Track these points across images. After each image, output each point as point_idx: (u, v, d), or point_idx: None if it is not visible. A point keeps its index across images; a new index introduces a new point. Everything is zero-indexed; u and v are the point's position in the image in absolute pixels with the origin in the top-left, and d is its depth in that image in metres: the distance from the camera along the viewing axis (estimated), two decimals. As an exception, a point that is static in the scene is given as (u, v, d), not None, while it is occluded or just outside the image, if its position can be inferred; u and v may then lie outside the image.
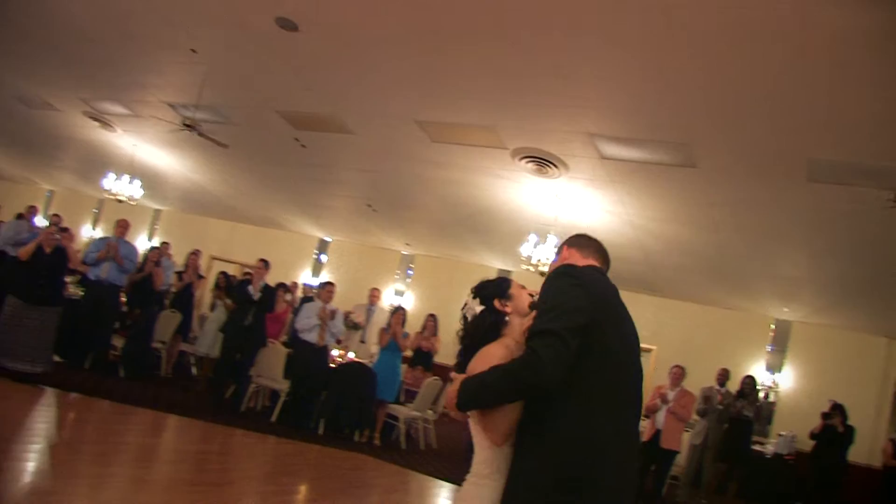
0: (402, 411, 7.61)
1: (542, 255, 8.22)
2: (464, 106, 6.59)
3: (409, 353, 8.48)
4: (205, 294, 12.09)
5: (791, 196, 6.54)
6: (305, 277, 13.86)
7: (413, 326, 8.73)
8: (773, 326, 10.68)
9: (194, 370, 9.61)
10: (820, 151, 5.61)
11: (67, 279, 7.45)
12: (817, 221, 6.98)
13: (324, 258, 14.38)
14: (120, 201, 11.24)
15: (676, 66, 5.02)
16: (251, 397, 7.71)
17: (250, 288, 7.66)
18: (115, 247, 7.73)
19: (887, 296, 8.31)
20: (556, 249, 3.24)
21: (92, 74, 8.45)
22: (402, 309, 8.22)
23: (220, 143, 8.35)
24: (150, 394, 7.17)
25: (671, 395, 7.36)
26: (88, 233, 16.38)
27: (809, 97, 4.93)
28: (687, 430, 8.01)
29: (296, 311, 8.62)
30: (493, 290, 2.17)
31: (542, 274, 7.90)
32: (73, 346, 7.39)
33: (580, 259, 2.19)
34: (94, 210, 16.90)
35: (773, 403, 10.35)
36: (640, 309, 9.49)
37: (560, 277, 1.99)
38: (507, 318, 2.13)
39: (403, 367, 8.23)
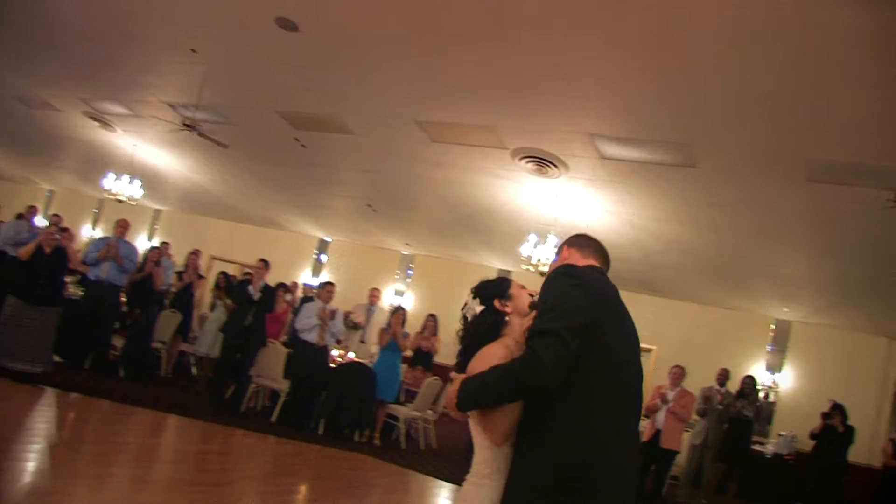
0: (402, 411, 7.61)
1: (542, 255, 8.22)
2: (464, 106, 6.59)
3: (409, 353, 8.48)
4: (205, 294, 12.08)
5: (791, 196, 6.54)
6: (305, 277, 13.86)
7: (413, 326, 8.73)
8: (773, 326, 10.68)
9: (194, 370, 9.61)
10: (820, 151, 5.61)
11: (67, 279, 7.45)
12: (817, 221, 6.98)
13: (324, 258, 14.38)
14: (120, 201, 11.24)
15: (676, 66, 5.02)
16: (251, 397, 7.71)
17: (250, 288, 7.66)
18: (115, 247, 7.72)
19: (887, 296, 8.31)
20: (555, 249, 3.24)
21: (92, 74, 8.45)
22: (402, 309, 8.22)
23: (220, 143, 8.35)
24: (150, 394, 7.17)
25: (671, 395, 7.36)
26: (88, 233, 16.37)
27: (809, 97, 4.93)
28: (687, 430, 8.01)
29: (296, 311, 8.62)
30: (493, 290, 2.17)
31: (542, 274, 7.90)
32: (73, 346, 7.39)
33: (580, 259, 2.19)
34: (94, 210, 16.89)
35: (773, 403, 10.34)
36: (640, 309, 9.48)
37: (560, 277, 1.99)
38: (507, 318, 2.13)
39: (403, 367, 8.23)
